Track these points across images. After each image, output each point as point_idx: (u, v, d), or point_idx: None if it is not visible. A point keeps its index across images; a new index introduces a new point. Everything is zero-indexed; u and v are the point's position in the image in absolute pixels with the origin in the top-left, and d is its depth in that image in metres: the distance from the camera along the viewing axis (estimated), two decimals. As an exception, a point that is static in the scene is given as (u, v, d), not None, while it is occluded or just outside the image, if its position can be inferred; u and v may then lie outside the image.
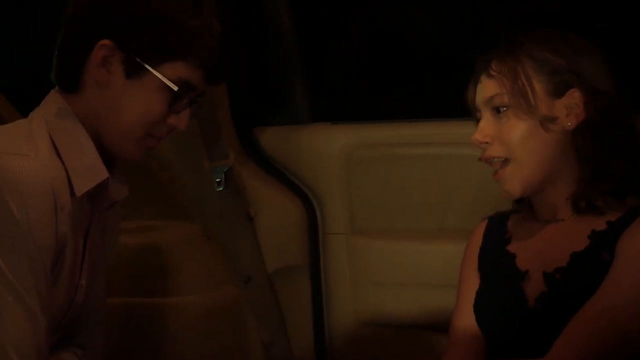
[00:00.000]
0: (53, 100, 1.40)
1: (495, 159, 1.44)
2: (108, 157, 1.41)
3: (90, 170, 1.36)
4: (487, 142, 1.44)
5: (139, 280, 2.03)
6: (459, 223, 2.03)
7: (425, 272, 2.04)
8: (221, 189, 2.11)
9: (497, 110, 1.44)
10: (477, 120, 1.48)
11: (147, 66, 1.34)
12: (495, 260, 1.51)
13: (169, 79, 1.35)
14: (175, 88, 1.35)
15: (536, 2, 2.07)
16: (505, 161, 1.43)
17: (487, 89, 1.46)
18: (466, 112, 1.52)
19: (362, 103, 2.33)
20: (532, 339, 1.40)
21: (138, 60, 1.34)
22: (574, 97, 1.41)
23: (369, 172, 2.12)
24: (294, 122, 2.22)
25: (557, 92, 1.41)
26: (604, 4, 2.05)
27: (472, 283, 1.53)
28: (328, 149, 2.14)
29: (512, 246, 1.50)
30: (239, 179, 2.16)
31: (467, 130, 1.50)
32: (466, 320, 1.52)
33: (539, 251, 1.45)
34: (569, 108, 1.41)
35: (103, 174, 1.38)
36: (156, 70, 1.34)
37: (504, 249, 1.51)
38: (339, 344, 2.18)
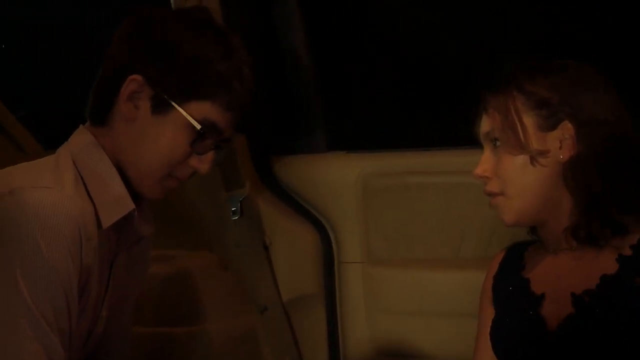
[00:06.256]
0: (81, 134, 1.42)
1: (493, 194, 1.45)
2: (135, 192, 1.42)
3: (116, 202, 1.38)
4: (486, 177, 1.45)
5: (156, 309, 2.03)
6: (475, 251, 2.02)
7: (442, 301, 2.03)
8: (237, 217, 2.12)
9: (494, 145, 1.45)
10: None
11: (173, 103, 1.36)
12: (510, 288, 1.50)
13: (193, 118, 1.36)
14: (199, 127, 1.36)
15: (563, 26, 2.05)
16: (500, 194, 1.44)
17: (484, 123, 1.47)
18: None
19: (378, 132, 2.33)
20: None
21: (165, 96, 1.36)
22: (566, 129, 1.39)
23: (384, 201, 2.11)
24: (309, 151, 2.22)
25: (549, 125, 1.40)
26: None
27: (488, 317, 1.53)
28: (344, 177, 2.14)
29: (526, 272, 1.50)
30: (255, 208, 2.16)
31: (483, 159, 1.50)
32: (485, 355, 1.51)
33: (557, 277, 1.43)
34: (562, 140, 1.39)
35: (129, 205, 1.39)
36: (182, 108, 1.36)
37: (519, 274, 1.50)
38: (354, 373, 2.17)
